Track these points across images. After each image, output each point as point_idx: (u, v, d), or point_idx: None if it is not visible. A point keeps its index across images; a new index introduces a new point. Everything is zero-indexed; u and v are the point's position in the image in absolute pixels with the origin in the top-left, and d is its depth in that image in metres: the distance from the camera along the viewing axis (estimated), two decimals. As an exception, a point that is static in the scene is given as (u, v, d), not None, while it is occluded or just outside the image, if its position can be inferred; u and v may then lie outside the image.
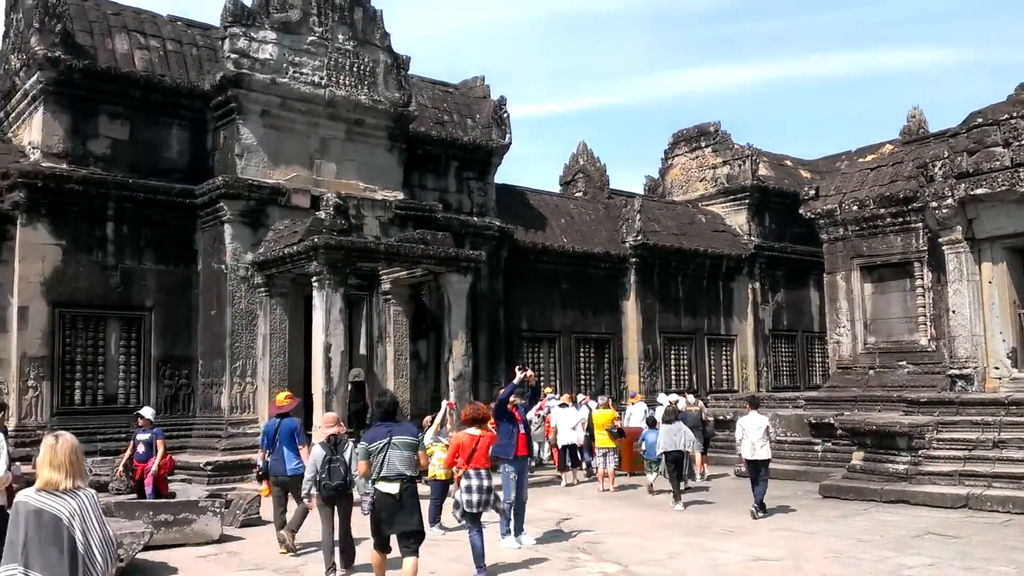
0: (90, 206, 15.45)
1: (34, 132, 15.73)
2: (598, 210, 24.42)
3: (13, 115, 16.79)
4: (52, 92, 15.38)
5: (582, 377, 22.53)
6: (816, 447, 15.68)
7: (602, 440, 14.71)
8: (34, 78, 15.44)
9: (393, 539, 7.34)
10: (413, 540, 7.16)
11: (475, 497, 8.08)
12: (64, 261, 15.20)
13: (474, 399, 16.98)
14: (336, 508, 8.25)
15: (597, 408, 15.74)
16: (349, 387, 15.38)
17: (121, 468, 11.26)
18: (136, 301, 15.91)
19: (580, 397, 17.58)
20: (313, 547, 9.26)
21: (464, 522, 8.37)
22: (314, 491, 8.19)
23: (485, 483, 8.14)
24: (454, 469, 8.63)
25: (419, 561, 7.20)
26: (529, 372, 9.95)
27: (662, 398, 18.73)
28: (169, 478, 11.82)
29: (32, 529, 4.05)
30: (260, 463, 10.26)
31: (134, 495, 10.80)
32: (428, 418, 12.64)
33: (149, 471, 11.24)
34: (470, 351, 16.79)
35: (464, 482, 8.15)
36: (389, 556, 7.40)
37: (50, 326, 14.99)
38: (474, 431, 8.41)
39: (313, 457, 8.30)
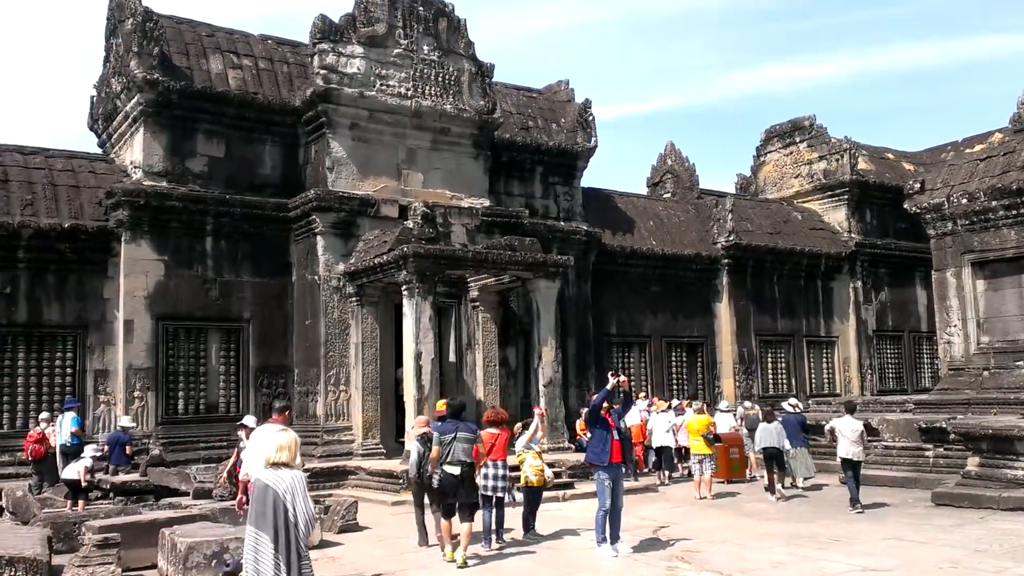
0: (190, 222, 16.22)
1: (135, 152, 16.62)
2: (688, 211, 24.20)
3: (115, 136, 17.78)
4: (151, 113, 16.22)
5: (674, 382, 22.37)
6: (927, 453, 15.14)
7: (698, 446, 14.56)
8: (134, 100, 16.32)
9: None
10: (468, 510, 9.52)
11: (491, 483, 9.99)
12: (166, 275, 16.00)
13: (564, 405, 17.12)
14: (423, 493, 10.08)
15: (692, 413, 15.63)
16: None
17: (225, 475, 11.74)
18: (234, 313, 16.61)
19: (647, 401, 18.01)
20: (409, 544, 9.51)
21: (483, 503, 10.07)
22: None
23: (501, 472, 10.09)
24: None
25: (472, 526, 9.40)
26: (622, 377, 9.95)
27: (724, 405, 18.86)
28: (269, 485, 12.28)
29: (259, 498, 5.63)
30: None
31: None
32: (519, 425, 12.74)
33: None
34: (559, 357, 16.89)
35: (484, 471, 9.98)
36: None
37: (154, 338, 15.79)
38: (493, 430, 10.20)
39: (414, 453, 10.11)
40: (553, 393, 16.34)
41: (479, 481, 9.94)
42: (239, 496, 8.79)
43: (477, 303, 17.63)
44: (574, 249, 19.69)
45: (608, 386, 9.88)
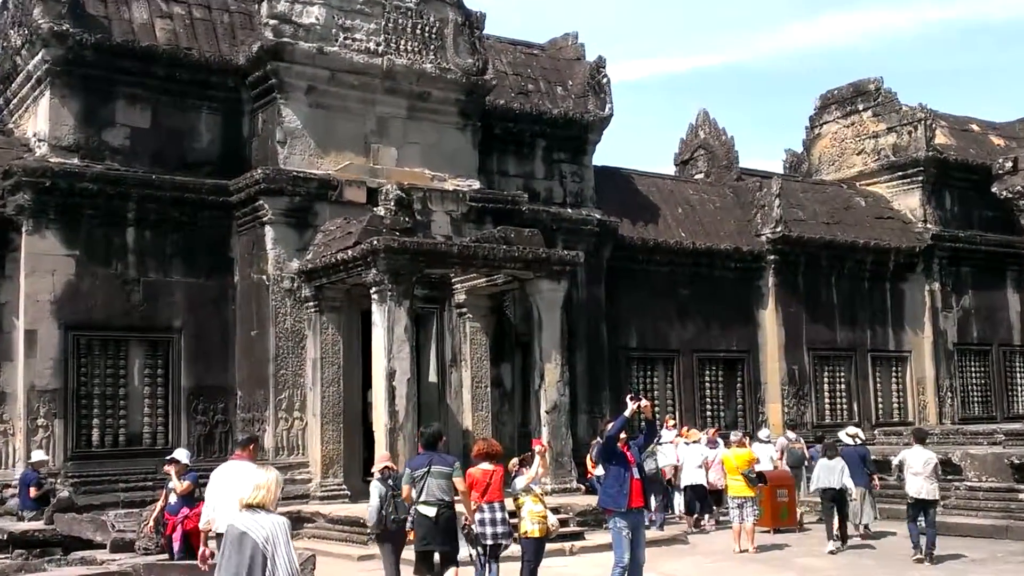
0: (107, 208, 16.17)
1: (40, 122, 16.57)
2: (724, 195, 24.27)
3: (15, 102, 17.74)
4: (60, 73, 16.16)
5: (708, 407, 22.39)
6: (1021, 496, 15.26)
7: (737, 487, 14.52)
8: (38, 57, 16.27)
9: None
10: (451, 557, 9.83)
11: (489, 530, 9.99)
12: (78, 275, 15.94)
13: (572, 436, 17.09)
14: (393, 544, 10.31)
15: (730, 447, 15.61)
16: None
17: (151, 523, 11.65)
18: (162, 321, 16.55)
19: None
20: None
21: (478, 557, 10.19)
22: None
23: (499, 515, 10.04)
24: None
25: (459, 570, 9.75)
26: (644, 402, 9.87)
27: (764, 434, 18.98)
28: (206, 534, 12.21)
29: (233, 549, 5.60)
30: None
31: (165, 555, 11.18)
32: (515, 461, 12.63)
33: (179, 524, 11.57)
34: (566, 376, 16.86)
35: (479, 516, 10.00)
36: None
37: (62, 353, 15.70)
38: (487, 466, 10.23)
39: (377, 495, 10.23)
40: (558, 421, 16.31)
41: (475, 528, 9.98)
42: (202, 548, 8.72)
43: (464, 309, 17.61)
44: (584, 242, 19.69)
45: (626, 412, 9.84)
